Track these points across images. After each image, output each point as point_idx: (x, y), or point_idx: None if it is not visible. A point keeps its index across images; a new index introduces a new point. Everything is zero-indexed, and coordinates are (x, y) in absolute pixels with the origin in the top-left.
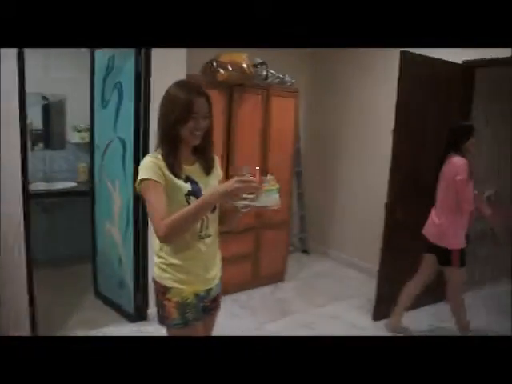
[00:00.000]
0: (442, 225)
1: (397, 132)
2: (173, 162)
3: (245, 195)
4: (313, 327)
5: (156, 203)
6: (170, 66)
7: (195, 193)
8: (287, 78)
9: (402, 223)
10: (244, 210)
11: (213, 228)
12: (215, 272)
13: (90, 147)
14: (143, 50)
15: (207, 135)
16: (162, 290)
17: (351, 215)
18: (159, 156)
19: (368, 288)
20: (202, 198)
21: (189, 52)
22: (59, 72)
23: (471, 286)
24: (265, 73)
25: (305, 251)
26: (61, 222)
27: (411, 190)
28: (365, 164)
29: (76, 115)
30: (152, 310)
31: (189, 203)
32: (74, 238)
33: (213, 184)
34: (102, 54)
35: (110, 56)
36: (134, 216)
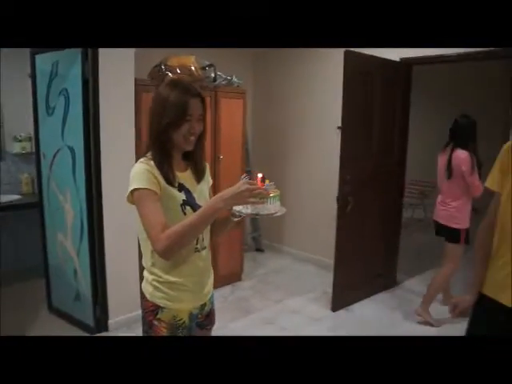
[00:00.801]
0: (451, 209)
1: (343, 128)
2: (167, 170)
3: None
4: (275, 323)
5: (153, 214)
6: (118, 70)
7: (190, 202)
8: (234, 79)
9: (353, 215)
10: (236, 219)
11: (207, 239)
12: (210, 286)
13: (36, 156)
14: (90, 55)
15: (200, 140)
16: (153, 309)
17: (302, 211)
18: (151, 162)
19: (323, 281)
20: (206, 205)
21: (136, 56)
22: None
23: None
24: (213, 75)
25: (259, 249)
26: (7, 237)
27: (360, 182)
28: (313, 160)
29: (14, 124)
30: (113, 320)
31: (184, 213)
32: (23, 253)
33: (205, 192)
34: (44, 59)
35: (54, 61)
36: (88, 226)
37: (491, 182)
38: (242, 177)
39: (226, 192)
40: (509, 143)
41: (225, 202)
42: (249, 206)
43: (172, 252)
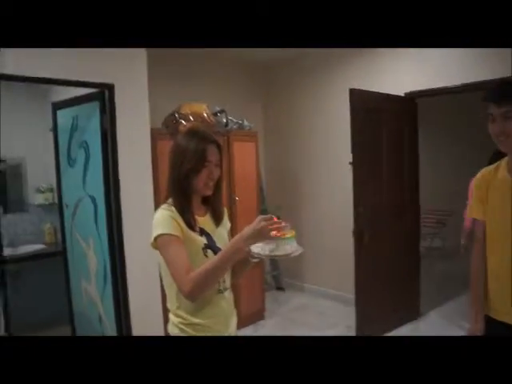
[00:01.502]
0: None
1: (354, 164)
2: (188, 215)
3: (265, 246)
4: None
5: (178, 258)
6: (134, 121)
7: (211, 245)
8: (246, 123)
9: (370, 248)
10: (255, 260)
11: (228, 280)
12: (233, 326)
13: (59, 207)
14: (108, 108)
15: (218, 185)
16: None
17: (320, 247)
18: (172, 208)
19: (346, 316)
20: (227, 246)
21: (151, 106)
22: (16, 135)
23: None
24: (225, 120)
25: (279, 288)
26: (32, 286)
27: (375, 215)
28: (328, 196)
29: (36, 176)
30: None
31: (206, 256)
32: (48, 301)
33: (224, 236)
34: (65, 114)
35: (74, 115)
36: (111, 272)
37: (474, 211)
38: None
39: (245, 231)
40: (478, 174)
41: (245, 241)
42: (266, 247)
43: (197, 294)
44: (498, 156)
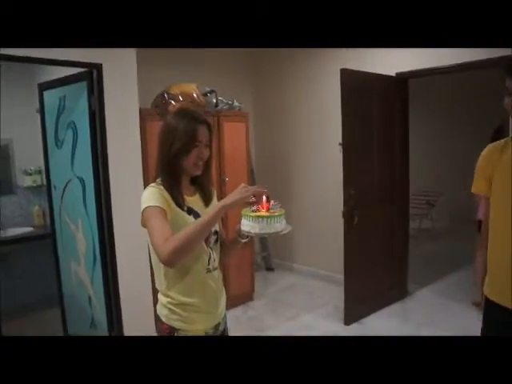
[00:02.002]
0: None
1: (344, 145)
2: (177, 194)
3: (255, 224)
4: None
5: (160, 226)
6: (122, 101)
7: None
8: (236, 104)
9: (360, 229)
10: (244, 240)
11: (217, 260)
12: (223, 306)
13: (47, 189)
14: (96, 89)
15: (207, 165)
16: (168, 331)
17: (310, 228)
18: (161, 187)
19: (334, 296)
20: (206, 212)
21: (139, 86)
22: (2, 116)
23: None
24: (215, 100)
25: (269, 269)
26: (21, 269)
27: (365, 196)
28: (318, 177)
29: (24, 158)
30: None
31: None
32: (37, 284)
33: None
34: (51, 95)
35: (61, 96)
36: (101, 253)
37: (477, 188)
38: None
39: (228, 196)
40: (484, 151)
41: (226, 206)
42: (256, 226)
43: (176, 257)
44: (498, 134)
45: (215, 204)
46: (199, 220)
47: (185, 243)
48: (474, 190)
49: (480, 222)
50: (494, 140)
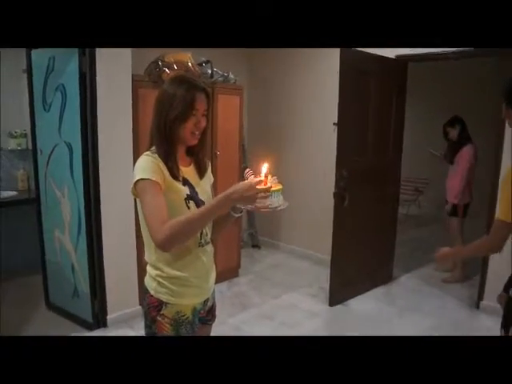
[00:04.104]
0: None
1: (339, 125)
2: (172, 163)
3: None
4: (273, 318)
5: (155, 205)
6: (115, 65)
7: (193, 196)
8: (231, 76)
9: (350, 211)
10: (237, 215)
11: (209, 234)
12: (212, 281)
13: (32, 153)
14: (87, 51)
15: (203, 136)
16: (156, 305)
17: (299, 207)
18: (156, 155)
19: (320, 276)
20: (214, 201)
21: (133, 51)
22: None
23: None
24: (210, 71)
25: (255, 246)
26: (3, 233)
27: (357, 178)
28: (310, 156)
29: (9, 120)
30: (112, 316)
31: (188, 207)
32: (20, 249)
33: (207, 189)
34: (40, 55)
35: (50, 56)
36: (86, 222)
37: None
38: (246, 171)
39: (235, 191)
40: (508, 170)
41: (232, 202)
42: None
43: (172, 243)
44: (450, 127)
45: (218, 197)
46: (202, 208)
47: (182, 232)
48: (504, 216)
49: (455, 205)
50: (445, 133)
